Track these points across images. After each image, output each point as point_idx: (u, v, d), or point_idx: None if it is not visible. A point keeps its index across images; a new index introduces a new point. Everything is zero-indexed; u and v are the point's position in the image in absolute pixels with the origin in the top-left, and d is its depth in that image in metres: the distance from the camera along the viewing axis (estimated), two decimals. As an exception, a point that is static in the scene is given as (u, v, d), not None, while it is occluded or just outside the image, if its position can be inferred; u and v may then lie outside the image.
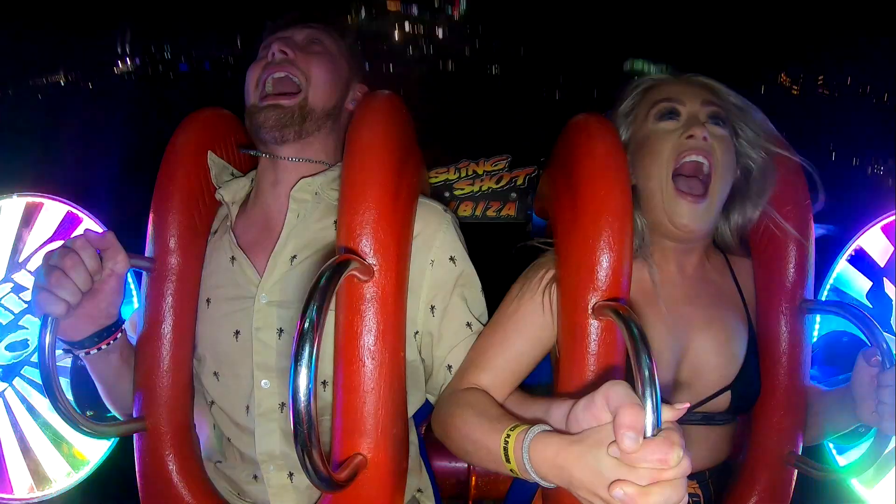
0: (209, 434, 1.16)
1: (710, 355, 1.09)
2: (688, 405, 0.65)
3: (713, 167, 1.06)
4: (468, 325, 1.09)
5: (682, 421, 0.63)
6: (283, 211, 1.13)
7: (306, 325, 0.72)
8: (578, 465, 0.65)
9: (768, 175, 1.13)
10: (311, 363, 0.70)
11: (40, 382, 1.05)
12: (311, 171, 1.14)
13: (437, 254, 1.08)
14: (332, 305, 0.95)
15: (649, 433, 0.60)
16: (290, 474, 1.07)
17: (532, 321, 1.03)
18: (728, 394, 1.09)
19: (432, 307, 1.08)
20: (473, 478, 1.52)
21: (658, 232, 1.11)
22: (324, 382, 1.03)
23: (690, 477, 1.05)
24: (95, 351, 1.04)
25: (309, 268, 1.08)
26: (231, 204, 1.16)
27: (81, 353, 1.04)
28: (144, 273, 1.11)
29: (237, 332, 1.09)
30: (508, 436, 0.79)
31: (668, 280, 1.11)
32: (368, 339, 0.92)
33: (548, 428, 0.74)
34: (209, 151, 1.16)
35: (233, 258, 1.12)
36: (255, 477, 1.09)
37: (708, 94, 1.11)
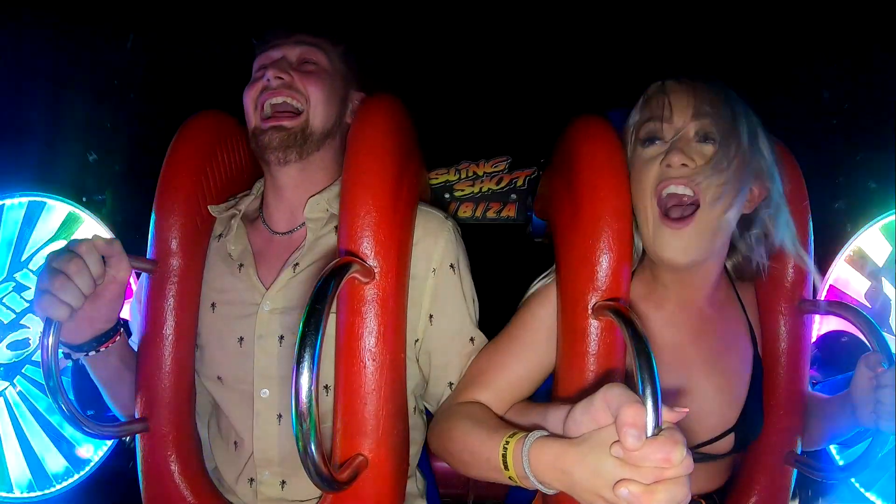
0: (207, 436, 1.16)
1: (709, 400, 1.04)
2: (686, 410, 0.65)
3: (700, 194, 0.94)
4: (472, 340, 1.10)
5: None
6: (285, 222, 1.15)
7: (308, 327, 0.72)
8: (580, 468, 0.65)
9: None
10: (313, 364, 0.71)
11: (41, 381, 1.06)
12: (313, 183, 1.15)
13: (439, 262, 1.08)
14: (334, 307, 0.95)
15: (650, 432, 0.60)
16: (283, 482, 1.07)
17: (534, 348, 1.02)
18: (731, 436, 1.05)
19: (431, 316, 1.08)
20: (472, 479, 1.52)
21: (654, 262, 1.02)
22: (326, 386, 1.03)
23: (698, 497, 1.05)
24: (94, 353, 1.04)
25: (311, 273, 1.08)
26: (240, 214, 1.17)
27: (81, 356, 1.04)
28: (146, 274, 1.11)
29: (241, 339, 1.09)
30: (507, 443, 0.79)
31: (670, 319, 1.05)
32: (369, 340, 0.93)
33: (546, 433, 0.74)
34: (209, 206, 1.16)
35: (241, 265, 1.13)
36: (251, 480, 1.09)
37: (699, 104, 0.98)
